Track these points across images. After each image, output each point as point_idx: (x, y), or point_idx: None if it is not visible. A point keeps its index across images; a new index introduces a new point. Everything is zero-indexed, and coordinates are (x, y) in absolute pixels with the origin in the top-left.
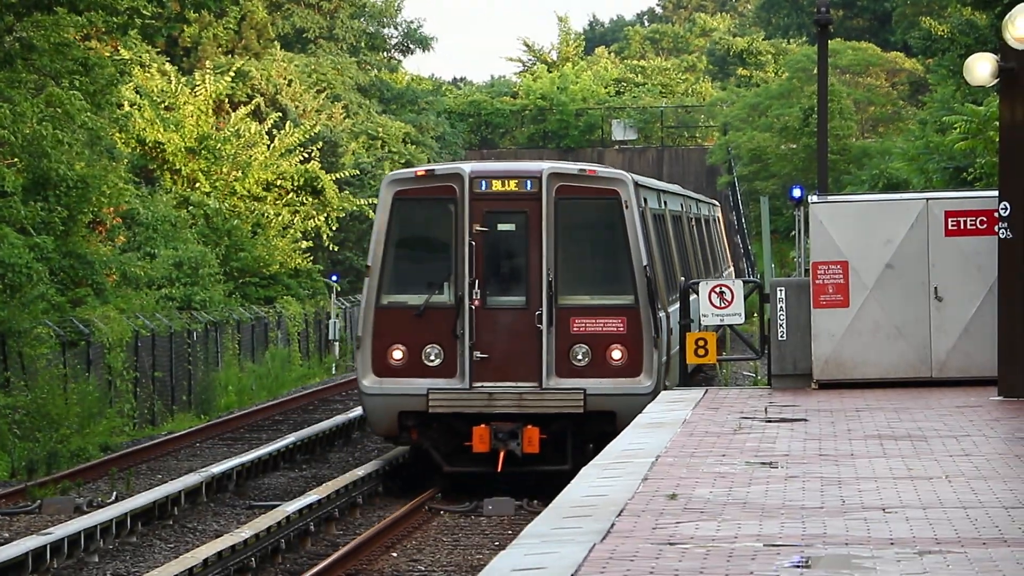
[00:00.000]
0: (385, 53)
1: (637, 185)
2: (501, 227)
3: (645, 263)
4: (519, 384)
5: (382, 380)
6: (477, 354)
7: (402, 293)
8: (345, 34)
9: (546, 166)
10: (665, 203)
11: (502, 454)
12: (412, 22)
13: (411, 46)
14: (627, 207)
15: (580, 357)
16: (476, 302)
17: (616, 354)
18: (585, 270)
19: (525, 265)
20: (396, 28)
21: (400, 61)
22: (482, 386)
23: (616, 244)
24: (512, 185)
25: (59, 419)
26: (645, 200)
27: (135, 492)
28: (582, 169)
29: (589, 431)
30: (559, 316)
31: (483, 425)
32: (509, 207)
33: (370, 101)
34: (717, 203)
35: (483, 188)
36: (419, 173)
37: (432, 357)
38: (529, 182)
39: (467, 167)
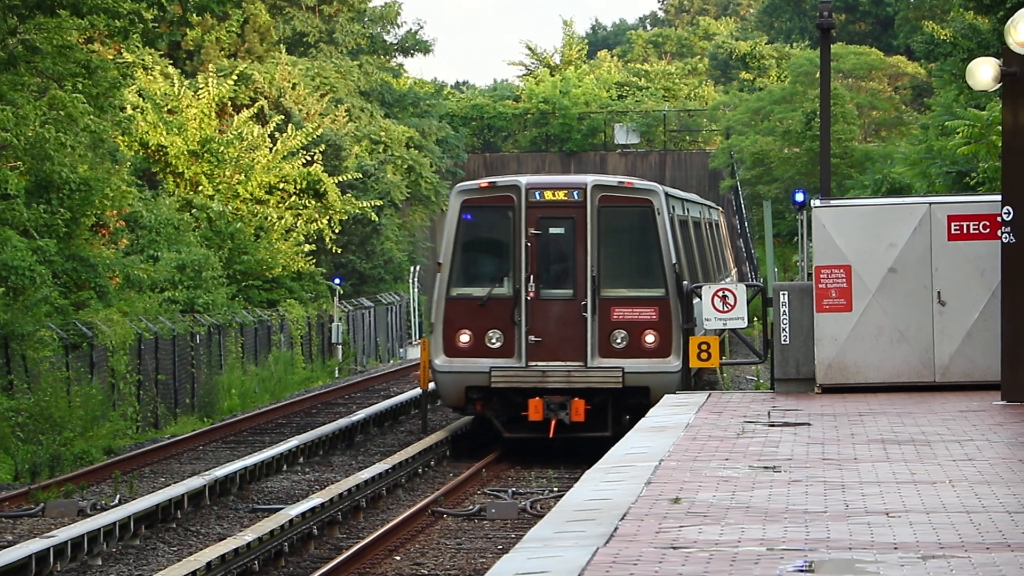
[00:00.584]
0: (386, 56)
1: (667, 195)
2: (552, 230)
3: (674, 261)
4: (567, 363)
5: (451, 360)
6: (532, 338)
7: (468, 286)
8: (345, 38)
9: (590, 179)
10: (687, 210)
11: (553, 422)
12: (411, 27)
13: (411, 50)
14: (659, 214)
15: (619, 341)
16: (531, 294)
17: (649, 338)
18: (623, 267)
19: (572, 262)
20: (398, 28)
21: (401, 64)
22: (536, 365)
23: (649, 245)
24: (561, 195)
25: (62, 422)
26: (673, 208)
27: (138, 495)
28: (621, 181)
29: (626, 403)
30: (601, 306)
31: (537, 398)
32: (559, 213)
33: (372, 104)
34: (720, 208)
35: (537, 197)
36: (483, 184)
37: (494, 340)
38: (576, 192)
39: (523, 180)
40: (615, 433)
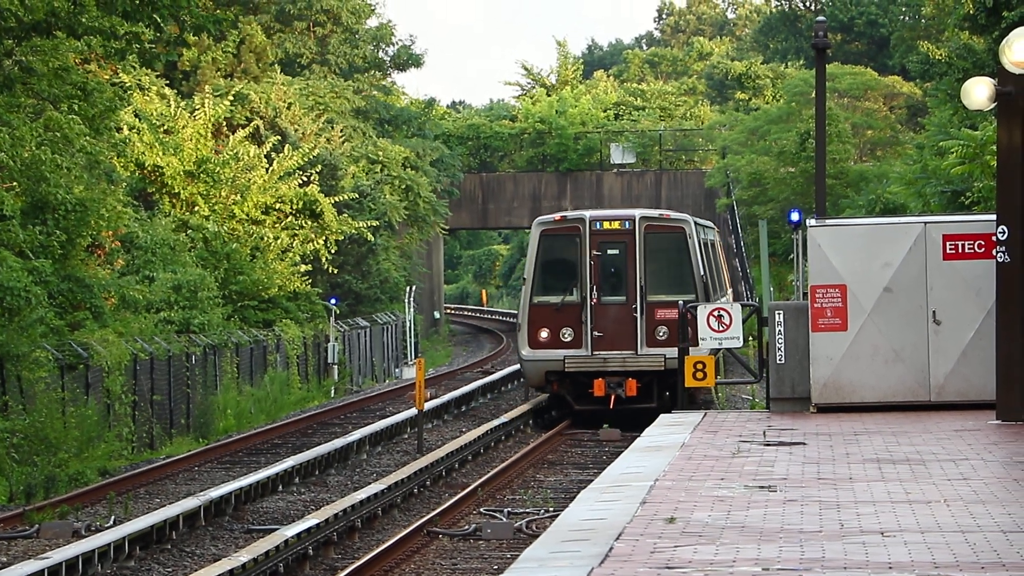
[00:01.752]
0: (380, 72)
1: (695, 223)
2: (609, 252)
3: (702, 273)
4: (623, 352)
5: (535, 351)
6: (595, 333)
7: (547, 295)
8: (337, 59)
9: (638, 213)
10: (707, 234)
11: (612, 397)
12: (404, 42)
13: (404, 65)
14: (690, 238)
15: (661, 334)
16: (594, 300)
17: None
18: (664, 278)
19: (625, 276)
20: (391, 46)
21: (394, 82)
22: (599, 353)
23: (683, 261)
24: (616, 225)
25: (57, 443)
26: (698, 233)
27: (133, 516)
28: (661, 214)
29: (667, 382)
30: (647, 308)
31: (600, 378)
32: (614, 239)
33: (367, 124)
34: (716, 227)
35: (597, 227)
36: (557, 218)
37: (566, 336)
38: (627, 223)
39: (587, 214)
40: (659, 405)
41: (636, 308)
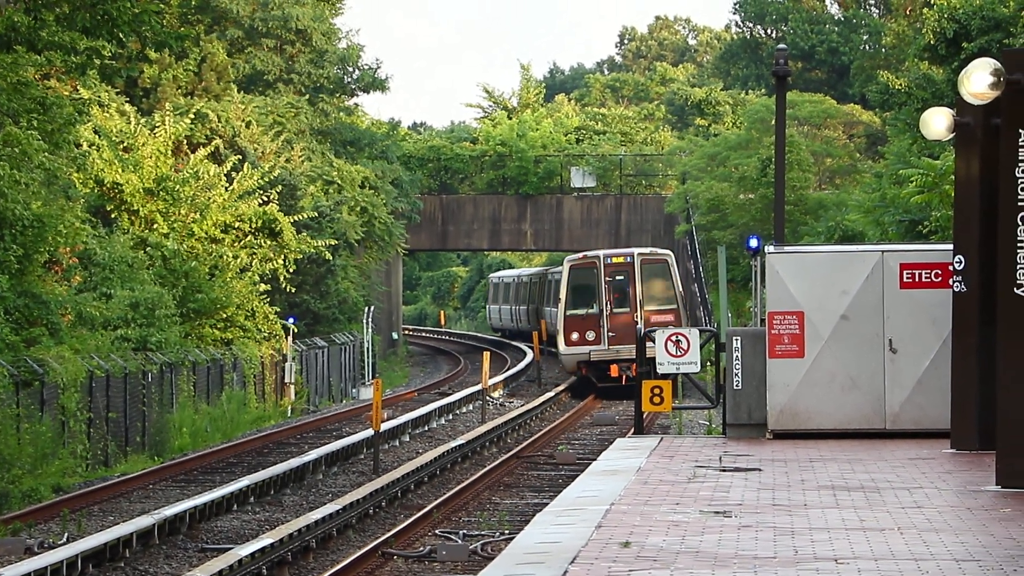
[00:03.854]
0: (345, 96)
1: (674, 256)
2: (617, 278)
3: (680, 291)
4: (629, 346)
5: (569, 348)
6: (610, 334)
7: (576, 309)
8: (301, 79)
9: (636, 251)
10: (678, 262)
11: (624, 377)
12: (369, 65)
13: (369, 89)
14: (671, 267)
15: None
16: (608, 311)
17: None
18: (655, 295)
19: (628, 294)
20: (358, 69)
21: (358, 105)
22: (613, 347)
23: (667, 283)
24: (621, 259)
25: (11, 459)
26: (677, 263)
27: (87, 534)
28: (652, 251)
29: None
30: (644, 315)
31: (614, 365)
32: (620, 268)
33: (325, 144)
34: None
35: (609, 261)
36: (580, 256)
37: (590, 336)
38: (629, 257)
39: (602, 253)
40: None
41: (637, 316)
